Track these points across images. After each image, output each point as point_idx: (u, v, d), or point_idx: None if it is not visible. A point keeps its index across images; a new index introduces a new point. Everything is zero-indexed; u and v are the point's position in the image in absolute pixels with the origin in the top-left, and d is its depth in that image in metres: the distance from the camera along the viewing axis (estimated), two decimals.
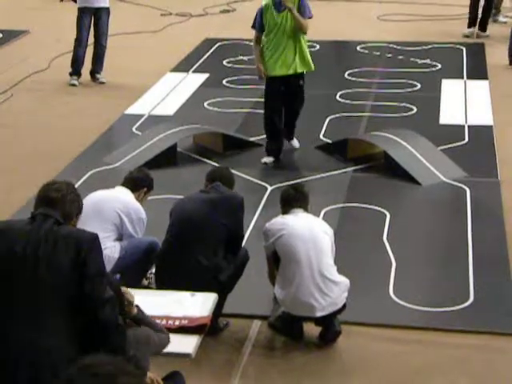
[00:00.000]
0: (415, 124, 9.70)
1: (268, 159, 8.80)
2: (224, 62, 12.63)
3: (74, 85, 11.50)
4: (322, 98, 10.81)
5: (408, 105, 10.55)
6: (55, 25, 14.86)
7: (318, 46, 13.22)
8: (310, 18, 8.42)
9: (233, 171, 6.47)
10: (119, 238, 6.13)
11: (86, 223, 5.26)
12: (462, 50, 13.25)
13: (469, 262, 6.74)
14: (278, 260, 5.74)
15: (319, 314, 5.58)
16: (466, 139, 9.45)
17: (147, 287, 6.15)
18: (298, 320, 5.72)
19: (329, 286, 5.59)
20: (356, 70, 12.11)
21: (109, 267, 5.60)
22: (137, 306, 4.33)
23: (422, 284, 6.52)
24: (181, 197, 6.37)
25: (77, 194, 4.04)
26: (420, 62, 12.53)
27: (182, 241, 5.75)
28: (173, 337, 4.47)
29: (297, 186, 6.35)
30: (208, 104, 10.70)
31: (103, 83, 11.60)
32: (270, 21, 8.36)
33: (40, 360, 3.70)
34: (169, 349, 4.42)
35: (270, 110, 8.71)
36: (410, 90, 11.21)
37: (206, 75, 12.01)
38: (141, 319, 4.32)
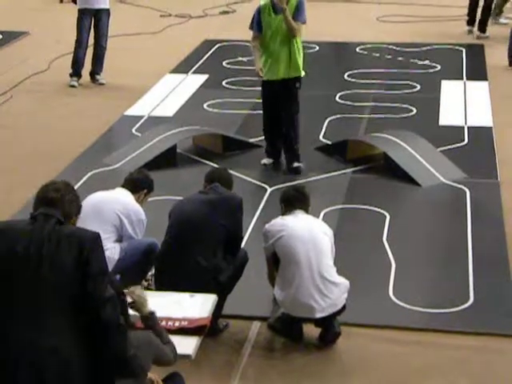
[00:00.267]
0: (415, 125, 9.70)
1: (267, 160, 8.80)
2: (223, 63, 12.63)
3: (73, 86, 11.50)
4: (322, 99, 10.81)
5: (407, 106, 10.55)
6: (55, 26, 14.86)
7: (317, 48, 13.22)
8: (303, 23, 8.28)
9: (232, 172, 6.48)
10: (119, 240, 6.14)
11: (86, 224, 5.25)
12: (462, 51, 13.26)
13: (468, 263, 6.74)
14: (277, 261, 5.74)
15: (319, 315, 5.58)
16: (466, 140, 9.46)
17: (147, 288, 6.15)
18: (298, 321, 5.71)
19: (328, 287, 5.59)
20: (355, 71, 12.11)
21: (109, 268, 5.59)
22: (152, 313, 4.38)
23: (422, 285, 6.52)
24: (180, 198, 6.37)
25: (75, 193, 4.05)
26: (419, 63, 12.54)
27: (181, 242, 5.75)
28: (172, 338, 4.48)
29: (298, 187, 6.34)
30: (207, 105, 10.71)
31: (103, 84, 11.61)
32: (267, 22, 8.31)
33: (41, 360, 3.70)
34: None
35: (266, 114, 8.67)
36: (409, 91, 11.22)
37: (206, 76, 12.02)
38: (152, 325, 4.35)
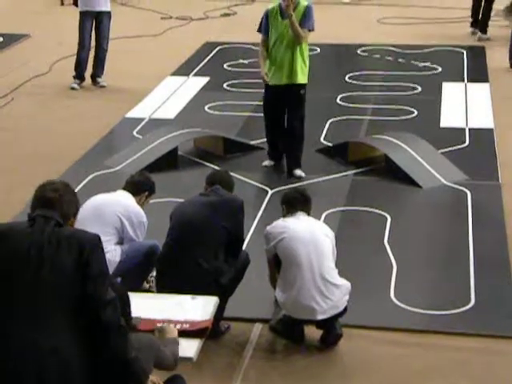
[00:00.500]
0: (416, 127, 9.71)
1: (269, 162, 8.80)
2: (224, 66, 12.64)
3: (74, 88, 11.51)
4: (323, 101, 10.81)
5: (409, 108, 10.56)
6: (56, 29, 14.88)
7: (318, 50, 13.23)
8: (310, 30, 8.21)
9: (233, 175, 6.48)
10: (120, 242, 6.14)
11: (87, 227, 5.24)
12: (463, 52, 13.26)
13: (470, 265, 6.74)
14: (279, 263, 5.74)
15: (320, 317, 5.58)
16: (467, 142, 9.46)
17: (148, 291, 6.16)
18: (299, 323, 5.72)
19: (330, 289, 5.59)
20: (356, 73, 12.12)
21: (110, 271, 5.59)
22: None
23: (423, 287, 6.52)
24: (182, 200, 6.37)
25: (74, 193, 4.02)
26: (420, 64, 12.55)
27: (182, 244, 5.75)
28: None
29: (299, 189, 6.33)
30: (209, 107, 10.71)
31: (104, 87, 11.62)
32: (274, 26, 8.27)
33: (41, 360, 3.69)
34: None
35: (266, 119, 8.66)
36: (410, 93, 11.22)
37: (207, 79, 12.03)
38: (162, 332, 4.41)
